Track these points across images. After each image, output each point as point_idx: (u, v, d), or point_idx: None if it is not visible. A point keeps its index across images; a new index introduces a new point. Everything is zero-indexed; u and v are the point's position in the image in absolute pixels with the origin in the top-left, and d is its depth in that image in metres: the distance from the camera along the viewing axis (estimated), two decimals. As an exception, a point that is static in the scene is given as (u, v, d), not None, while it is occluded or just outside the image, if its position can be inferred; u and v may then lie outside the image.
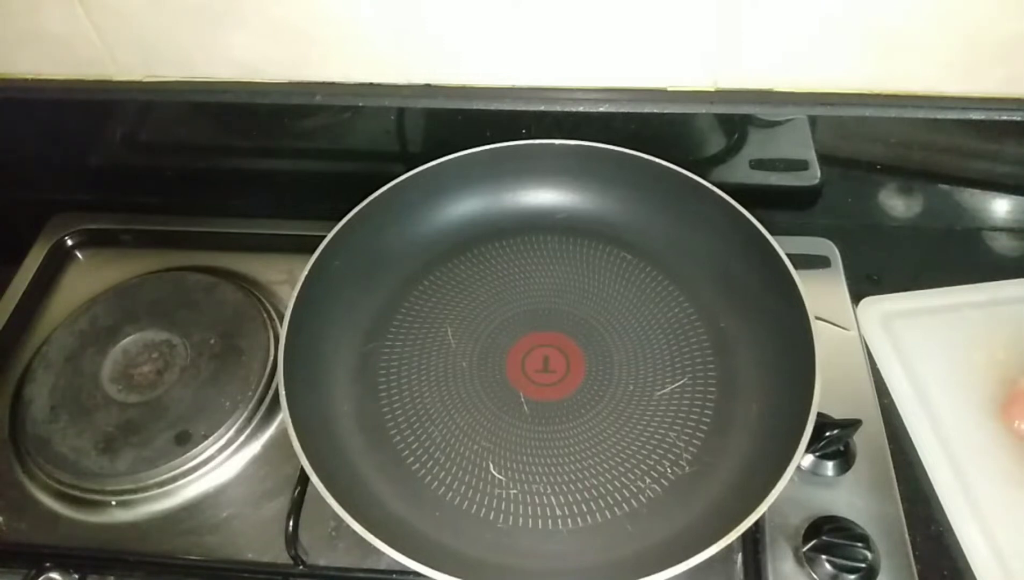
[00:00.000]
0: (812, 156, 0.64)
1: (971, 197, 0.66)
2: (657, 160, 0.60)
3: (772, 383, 0.52)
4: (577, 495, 0.50)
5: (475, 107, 0.64)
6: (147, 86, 0.67)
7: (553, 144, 0.62)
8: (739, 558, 0.48)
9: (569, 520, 0.49)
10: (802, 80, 0.61)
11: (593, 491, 0.50)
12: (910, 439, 0.53)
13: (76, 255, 0.68)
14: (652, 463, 0.51)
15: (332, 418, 0.53)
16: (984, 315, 0.58)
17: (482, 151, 0.62)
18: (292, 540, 0.48)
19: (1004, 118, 0.61)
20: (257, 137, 0.69)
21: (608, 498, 0.49)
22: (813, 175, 0.65)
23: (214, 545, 0.50)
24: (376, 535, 0.42)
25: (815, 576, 0.46)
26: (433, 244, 0.63)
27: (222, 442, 0.54)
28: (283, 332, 0.51)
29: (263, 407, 0.55)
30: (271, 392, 0.56)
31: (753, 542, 0.48)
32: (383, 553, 0.41)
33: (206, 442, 0.53)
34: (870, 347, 0.58)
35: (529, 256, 0.63)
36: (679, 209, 0.60)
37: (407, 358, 0.57)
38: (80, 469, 0.52)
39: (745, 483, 0.48)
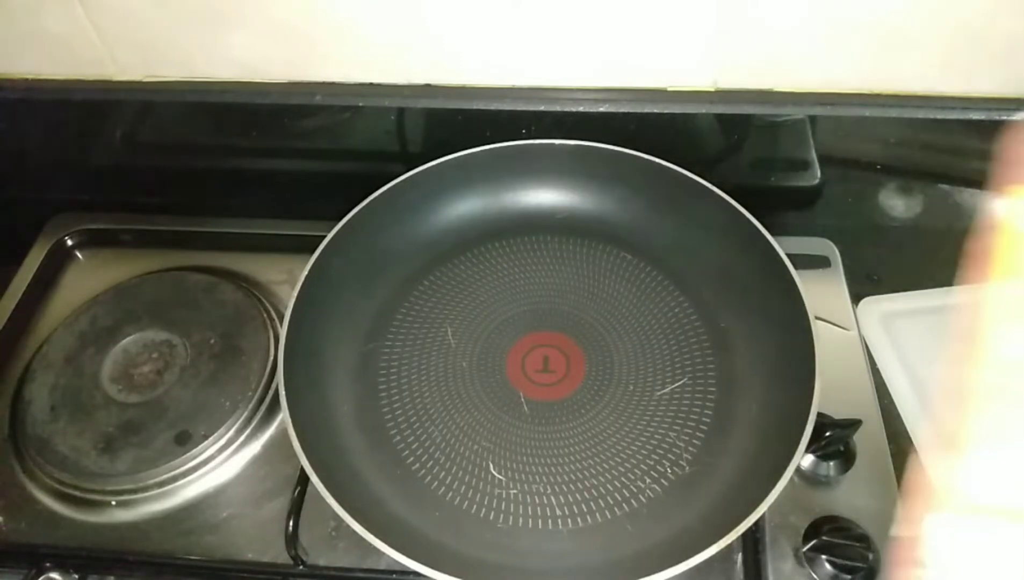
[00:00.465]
0: (812, 156, 0.64)
1: (971, 197, 0.66)
2: (657, 160, 0.60)
3: (772, 383, 0.52)
4: (577, 495, 0.50)
5: (475, 107, 0.64)
6: (147, 86, 0.67)
7: (553, 144, 0.62)
8: (739, 558, 0.48)
9: (569, 520, 0.49)
10: (802, 80, 0.61)
11: (593, 491, 0.50)
12: (910, 439, 0.53)
13: (76, 255, 0.68)
14: (652, 463, 0.51)
15: (332, 418, 0.53)
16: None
17: (482, 151, 0.62)
18: (292, 540, 0.48)
19: (1004, 118, 0.61)
20: (257, 137, 0.69)
21: (608, 498, 0.49)
22: (813, 175, 0.65)
23: (214, 545, 0.50)
24: (376, 535, 0.42)
25: (815, 576, 0.46)
26: (433, 244, 0.63)
27: (222, 442, 0.53)
28: (283, 332, 0.51)
29: (263, 407, 0.55)
30: (271, 392, 0.56)
31: (753, 542, 0.48)
32: (383, 553, 0.41)
33: (206, 442, 0.53)
34: (870, 347, 0.58)
35: (529, 256, 0.63)
36: (679, 209, 0.60)
37: (407, 358, 0.57)
38: (80, 469, 0.52)
39: (745, 483, 0.47)
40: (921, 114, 0.61)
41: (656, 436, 0.52)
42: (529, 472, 0.51)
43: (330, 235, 0.56)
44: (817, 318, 0.49)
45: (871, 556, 0.45)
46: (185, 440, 0.53)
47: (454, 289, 0.61)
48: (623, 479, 0.50)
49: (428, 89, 0.64)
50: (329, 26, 0.61)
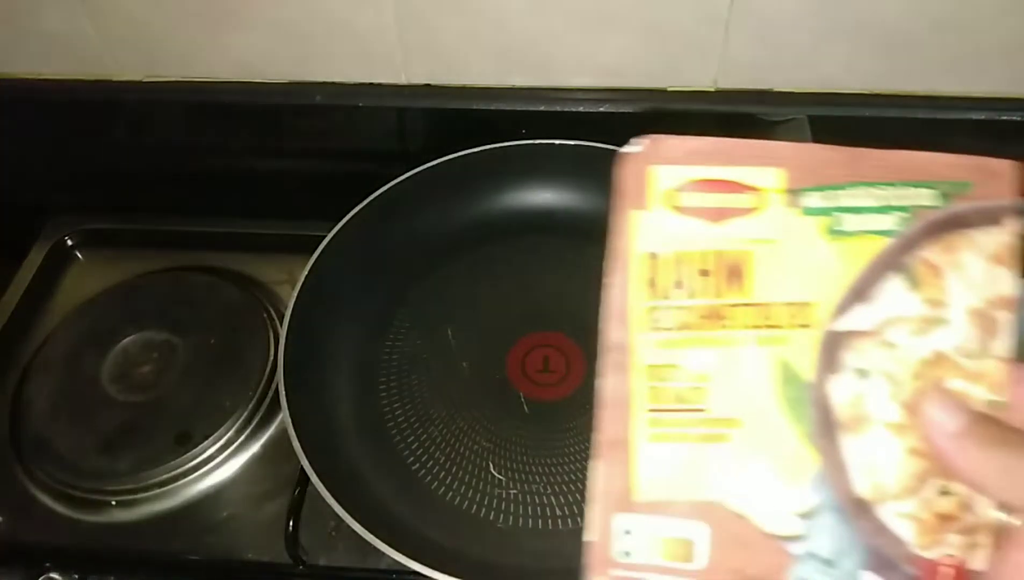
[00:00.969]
0: (812, 156, 0.64)
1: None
2: (657, 160, 0.59)
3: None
4: (577, 495, 0.49)
5: (475, 107, 0.64)
6: (147, 86, 0.67)
7: (553, 144, 0.62)
8: (739, 558, 0.48)
9: (569, 520, 0.49)
10: (802, 80, 0.61)
11: (593, 491, 0.50)
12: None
13: (76, 255, 0.68)
14: (652, 463, 0.51)
15: (332, 418, 0.53)
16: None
17: (482, 151, 0.62)
18: (292, 540, 0.48)
19: (1005, 118, 0.61)
20: (257, 137, 0.69)
21: (608, 498, 0.49)
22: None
23: (214, 545, 0.50)
24: (376, 535, 0.42)
25: None
26: (433, 244, 0.63)
27: (222, 442, 0.53)
28: (283, 332, 0.51)
29: (263, 407, 0.55)
30: (271, 392, 0.56)
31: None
32: (383, 553, 0.41)
33: (206, 442, 0.53)
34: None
35: (529, 256, 0.63)
36: (679, 209, 0.60)
37: (407, 358, 0.57)
38: (80, 469, 0.52)
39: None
40: (921, 114, 0.61)
41: (656, 436, 0.52)
42: (529, 472, 0.51)
43: (330, 235, 0.56)
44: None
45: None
46: (185, 440, 0.53)
47: (454, 289, 0.61)
48: (623, 479, 0.50)
49: (428, 89, 0.64)
50: (329, 26, 0.61)
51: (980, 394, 0.26)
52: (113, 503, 0.52)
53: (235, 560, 0.50)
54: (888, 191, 0.26)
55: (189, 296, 0.61)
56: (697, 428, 0.26)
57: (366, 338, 0.58)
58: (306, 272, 0.54)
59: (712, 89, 0.62)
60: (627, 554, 0.26)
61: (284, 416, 0.47)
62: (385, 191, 0.59)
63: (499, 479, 0.50)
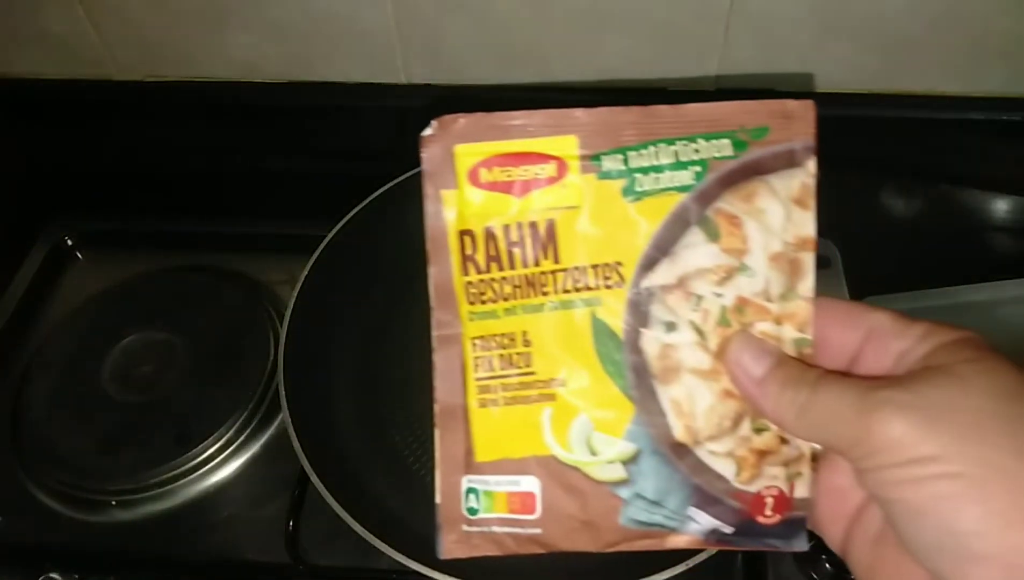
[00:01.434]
0: (812, 156, 0.64)
1: (971, 197, 0.66)
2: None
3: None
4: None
5: (475, 107, 0.64)
6: (147, 86, 0.67)
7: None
8: (739, 558, 0.48)
9: (569, 520, 0.48)
10: (803, 80, 0.61)
11: (593, 491, 0.50)
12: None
13: (76, 255, 0.68)
14: (652, 463, 0.51)
15: (332, 418, 0.53)
16: (984, 315, 0.58)
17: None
18: (292, 540, 0.48)
19: (1005, 118, 0.61)
20: (257, 137, 0.69)
21: (608, 498, 0.49)
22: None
23: (214, 545, 0.50)
24: (376, 535, 0.42)
25: (815, 576, 0.46)
26: (433, 244, 0.62)
27: (222, 442, 0.53)
28: (283, 332, 0.51)
29: (263, 407, 0.55)
30: (271, 392, 0.56)
31: (753, 542, 0.48)
32: (383, 553, 0.41)
33: (206, 442, 0.53)
34: (870, 347, 0.58)
35: (529, 256, 0.63)
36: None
37: (407, 358, 0.57)
38: (80, 469, 0.52)
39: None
40: (922, 114, 0.61)
41: (656, 436, 0.52)
42: (529, 472, 0.51)
43: (330, 235, 0.56)
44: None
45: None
46: (185, 440, 0.53)
47: (454, 289, 0.61)
48: (623, 479, 0.50)
49: (428, 89, 0.64)
50: (329, 26, 0.61)
51: (789, 334, 0.27)
52: (113, 503, 0.52)
53: (235, 560, 0.49)
54: (683, 146, 0.27)
55: (189, 296, 0.61)
56: (526, 390, 0.28)
57: (366, 338, 0.58)
58: (306, 272, 0.54)
59: (712, 88, 0.62)
60: (473, 511, 0.28)
61: (284, 416, 0.47)
62: (385, 191, 0.59)
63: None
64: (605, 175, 0.27)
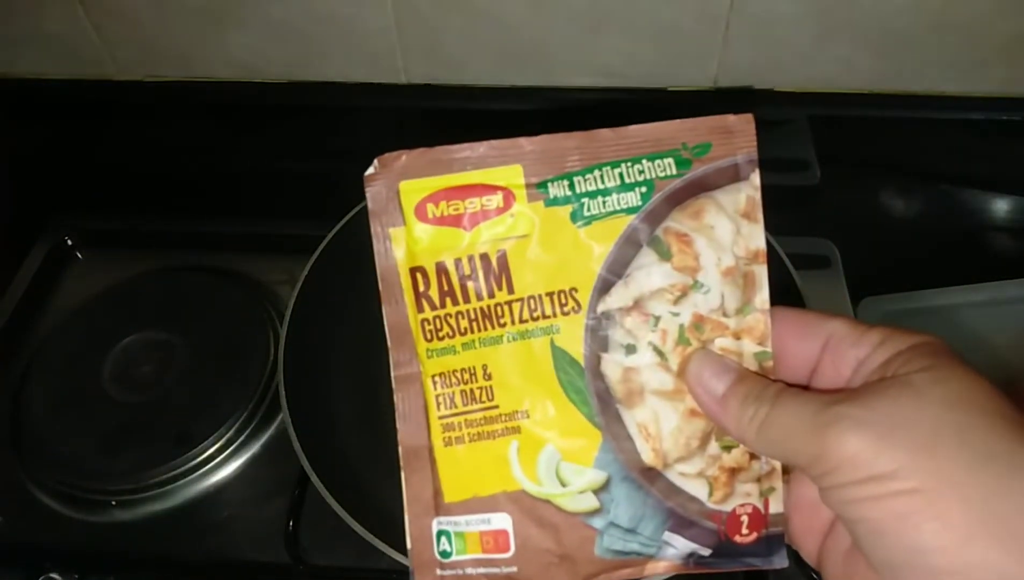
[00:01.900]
0: (812, 156, 0.64)
1: (971, 197, 0.66)
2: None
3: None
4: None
5: (474, 107, 0.64)
6: (147, 86, 0.67)
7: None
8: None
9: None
10: (802, 80, 0.61)
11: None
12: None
13: (76, 255, 0.68)
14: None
15: (332, 418, 0.53)
16: (984, 315, 0.58)
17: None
18: (292, 540, 0.48)
19: (1005, 118, 0.61)
20: (257, 137, 0.69)
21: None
22: (813, 175, 0.65)
23: (214, 545, 0.50)
24: (376, 535, 0.42)
25: (815, 576, 0.46)
26: (433, 244, 0.62)
27: (222, 442, 0.53)
28: (283, 332, 0.51)
29: (263, 407, 0.55)
30: (271, 392, 0.56)
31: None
32: (383, 553, 0.41)
33: (206, 442, 0.53)
34: (870, 347, 0.57)
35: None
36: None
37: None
38: (80, 469, 0.52)
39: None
40: (921, 114, 0.61)
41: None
42: (529, 472, 0.51)
43: (330, 235, 0.56)
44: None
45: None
46: (185, 440, 0.53)
47: (454, 289, 0.61)
48: (623, 479, 0.50)
49: (428, 89, 0.64)
50: (329, 26, 0.61)
51: (749, 348, 0.27)
52: (113, 503, 0.52)
53: (235, 560, 0.49)
54: (628, 168, 0.27)
55: (189, 296, 0.61)
56: (489, 425, 0.27)
57: (366, 338, 0.57)
58: (306, 272, 0.54)
59: (712, 89, 0.62)
60: (446, 554, 0.27)
61: (284, 416, 0.47)
62: (385, 191, 0.59)
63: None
64: (552, 202, 0.26)
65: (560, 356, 0.27)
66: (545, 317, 0.27)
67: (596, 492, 0.27)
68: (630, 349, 0.27)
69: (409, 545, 0.27)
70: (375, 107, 0.65)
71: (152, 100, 0.67)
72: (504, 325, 0.27)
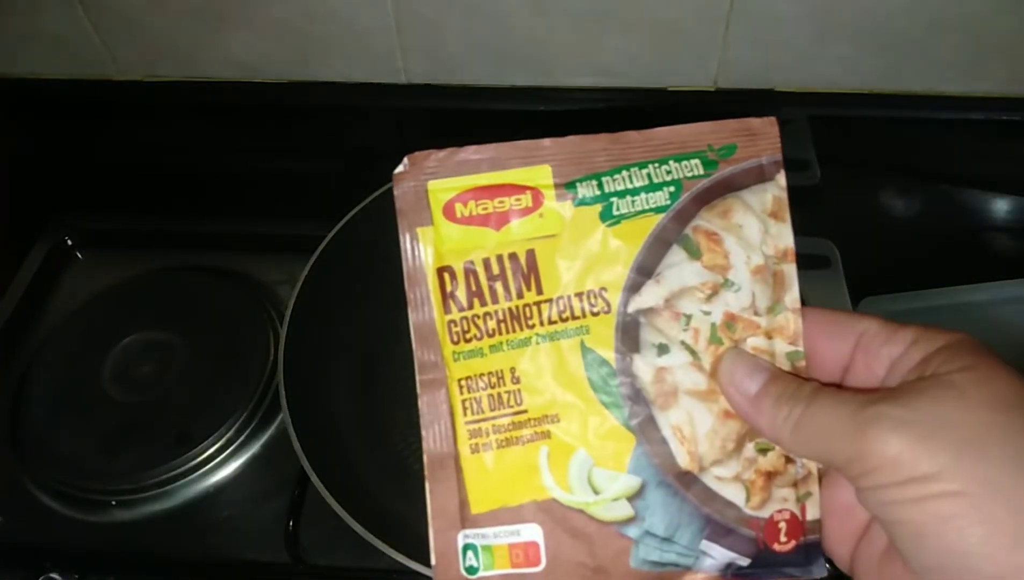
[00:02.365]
0: (812, 156, 0.64)
1: (971, 197, 0.66)
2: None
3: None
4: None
5: (474, 107, 0.64)
6: (147, 86, 0.67)
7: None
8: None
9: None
10: (802, 80, 0.61)
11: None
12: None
13: (76, 255, 0.68)
14: (652, 463, 0.51)
15: (332, 418, 0.53)
16: (984, 315, 0.58)
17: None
18: (292, 540, 0.48)
19: (1005, 118, 0.61)
20: (257, 137, 0.69)
21: (608, 498, 0.49)
22: (813, 175, 0.65)
23: (214, 545, 0.50)
24: (376, 535, 0.42)
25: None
26: (433, 244, 0.62)
27: (222, 442, 0.53)
28: (283, 332, 0.51)
29: (263, 407, 0.55)
30: (271, 392, 0.56)
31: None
32: (383, 553, 0.41)
33: (206, 442, 0.53)
34: (870, 347, 0.57)
35: (529, 256, 0.63)
36: (679, 209, 0.60)
37: (408, 357, 0.56)
38: (80, 469, 0.52)
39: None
40: (921, 114, 0.61)
41: (656, 436, 0.52)
42: (529, 472, 0.51)
43: (330, 235, 0.56)
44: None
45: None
46: (185, 440, 0.53)
47: (454, 289, 0.61)
48: (623, 479, 0.50)
49: (428, 89, 0.64)
50: (329, 26, 0.61)
51: (781, 348, 0.26)
52: (113, 503, 0.52)
53: (235, 560, 0.49)
54: (655, 168, 0.27)
55: (189, 296, 0.61)
56: (518, 430, 0.26)
57: (366, 338, 0.58)
58: (306, 272, 0.54)
59: (712, 89, 0.62)
60: (473, 570, 0.26)
61: (284, 416, 0.47)
62: (385, 191, 0.59)
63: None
64: (581, 201, 0.26)
65: (591, 357, 0.26)
66: (575, 318, 0.26)
67: (630, 499, 0.26)
68: (662, 349, 0.26)
69: (433, 561, 0.26)
70: (375, 107, 0.65)
71: (152, 100, 0.67)
72: (533, 326, 0.26)
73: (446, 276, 0.27)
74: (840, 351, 0.26)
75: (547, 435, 0.26)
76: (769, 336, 0.26)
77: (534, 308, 0.26)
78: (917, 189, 0.67)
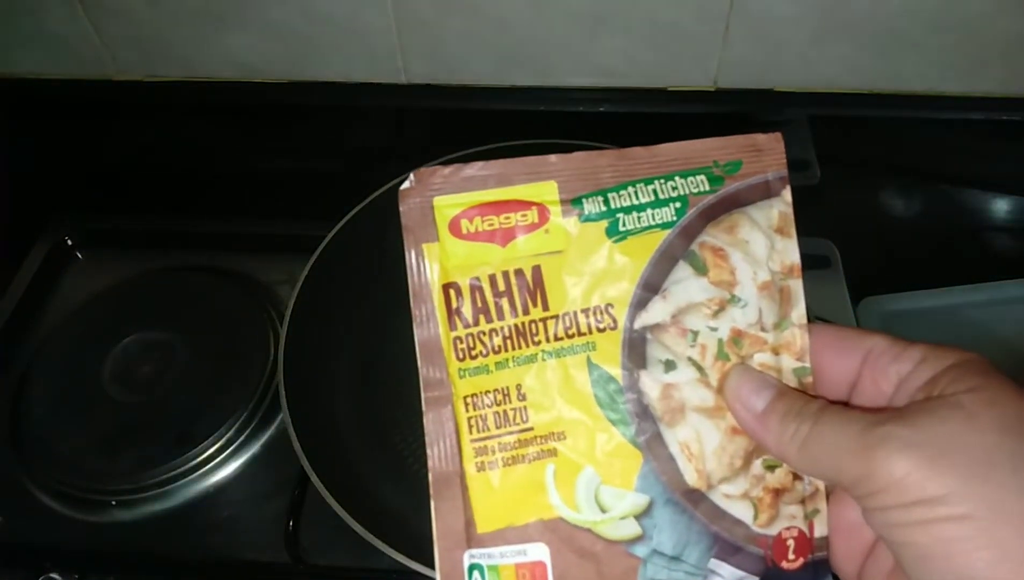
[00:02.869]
0: (812, 156, 0.64)
1: (971, 197, 0.66)
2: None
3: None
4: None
5: (474, 107, 0.64)
6: (147, 86, 0.67)
7: (552, 144, 0.62)
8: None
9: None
10: (802, 80, 0.61)
11: (593, 491, 0.49)
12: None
13: (76, 255, 0.68)
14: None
15: (332, 418, 0.53)
16: (984, 315, 0.58)
17: (481, 151, 0.61)
18: (292, 540, 0.48)
19: (1004, 118, 0.61)
20: (257, 137, 0.69)
21: (608, 498, 0.49)
22: (813, 175, 0.65)
23: (214, 545, 0.50)
24: (376, 535, 0.42)
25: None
26: (433, 244, 0.62)
27: (222, 442, 0.53)
28: (283, 332, 0.51)
29: (263, 407, 0.55)
30: (271, 392, 0.56)
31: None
32: (383, 553, 0.41)
33: (206, 442, 0.53)
34: (870, 347, 0.57)
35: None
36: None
37: (407, 357, 0.56)
38: (80, 469, 0.52)
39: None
40: (921, 114, 0.61)
41: (656, 436, 0.52)
42: (529, 472, 0.51)
43: (330, 235, 0.56)
44: (817, 318, 0.49)
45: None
46: (185, 440, 0.53)
47: (454, 289, 0.61)
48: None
49: (428, 89, 0.64)
50: (329, 26, 0.61)
51: (787, 364, 0.26)
52: (113, 503, 0.52)
53: (235, 560, 0.49)
54: (661, 184, 0.27)
55: (189, 296, 0.61)
56: (525, 448, 0.26)
57: (366, 338, 0.58)
58: (306, 272, 0.54)
59: (712, 89, 0.62)
60: None
61: (284, 416, 0.47)
62: (385, 191, 0.59)
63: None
64: (587, 217, 0.26)
65: (597, 374, 0.26)
66: (581, 334, 0.26)
67: (638, 517, 0.26)
68: (669, 365, 0.26)
69: None
70: (375, 107, 0.65)
71: (152, 100, 0.67)
72: (539, 343, 0.26)
73: (452, 292, 0.27)
74: (847, 368, 0.26)
75: (554, 453, 0.26)
76: (776, 352, 0.26)
77: (540, 324, 0.26)
78: (917, 189, 0.67)
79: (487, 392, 0.27)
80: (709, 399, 0.26)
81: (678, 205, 0.26)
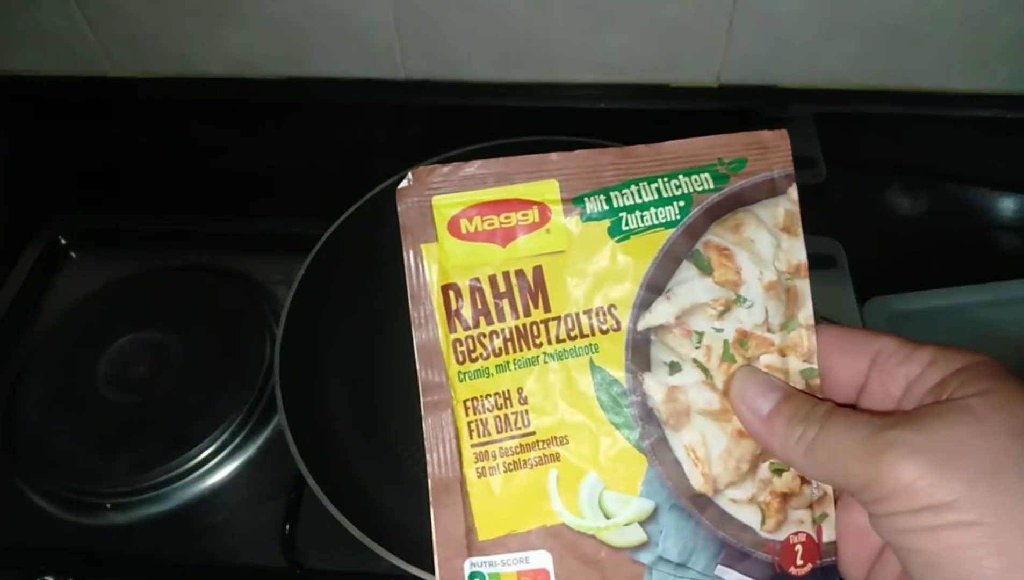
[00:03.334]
0: (818, 154, 0.63)
1: (978, 196, 0.66)
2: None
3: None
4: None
5: (474, 104, 0.63)
6: (143, 83, 0.66)
7: (553, 141, 0.61)
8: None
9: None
10: (807, 76, 0.60)
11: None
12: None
13: (70, 254, 0.67)
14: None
15: (329, 420, 0.52)
16: (990, 315, 0.58)
17: (481, 148, 0.61)
18: (289, 544, 0.48)
19: (1011, 116, 0.60)
20: (254, 134, 0.69)
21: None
22: (819, 173, 0.64)
23: (210, 549, 0.50)
24: (373, 539, 0.42)
25: None
26: (432, 243, 0.62)
27: (218, 444, 0.53)
28: (279, 333, 0.51)
29: (259, 409, 0.55)
30: (267, 393, 0.55)
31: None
32: (381, 557, 0.41)
33: (202, 444, 0.52)
34: (875, 348, 0.57)
35: (530, 255, 0.62)
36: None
37: (405, 358, 0.56)
38: (75, 471, 0.52)
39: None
40: (927, 111, 0.61)
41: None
42: (529, 475, 0.50)
43: (327, 233, 0.56)
44: (823, 318, 0.48)
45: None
46: (181, 442, 0.53)
47: (453, 288, 0.60)
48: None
49: (427, 86, 0.64)
50: (327, 22, 0.60)
51: (794, 365, 0.26)
52: (108, 506, 0.51)
53: (231, 564, 0.49)
54: (665, 182, 0.26)
55: (184, 296, 0.61)
56: (526, 453, 0.26)
57: (363, 338, 0.57)
58: (303, 271, 0.53)
59: (715, 85, 0.61)
60: None
61: (280, 418, 0.47)
62: (383, 189, 0.58)
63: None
64: (589, 217, 0.26)
65: (600, 376, 0.26)
66: (583, 336, 0.26)
67: (643, 523, 0.25)
68: (674, 367, 0.26)
69: None
70: (374, 103, 0.64)
71: (147, 97, 0.67)
72: (540, 345, 0.26)
73: (451, 294, 0.26)
74: (855, 370, 0.25)
75: (556, 457, 0.26)
76: (783, 353, 0.26)
77: (541, 326, 0.26)
78: (923, 187, 0.66)
79: (487, 396, 0.26)
80: (715, 402, 0.26)
81: (682, 204, 0.26)
